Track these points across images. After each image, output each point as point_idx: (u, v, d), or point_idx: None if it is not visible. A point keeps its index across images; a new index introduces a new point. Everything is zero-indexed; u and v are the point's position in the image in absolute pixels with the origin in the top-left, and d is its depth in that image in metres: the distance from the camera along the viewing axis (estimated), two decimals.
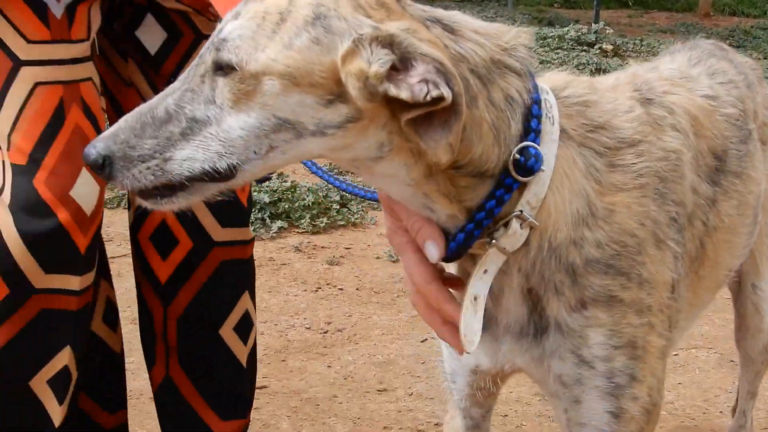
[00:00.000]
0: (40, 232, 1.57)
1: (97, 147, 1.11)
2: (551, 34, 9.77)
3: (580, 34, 9.81)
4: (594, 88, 1.32)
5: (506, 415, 2.68)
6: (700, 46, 1.71)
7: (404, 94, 1.03)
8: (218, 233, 1.84)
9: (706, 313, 3.25)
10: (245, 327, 1.98)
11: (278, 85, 1.06)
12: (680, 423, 2.66)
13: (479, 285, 1.18)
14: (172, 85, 1.13)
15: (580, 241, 1.21)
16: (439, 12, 1.15)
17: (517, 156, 1.13)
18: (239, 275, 1.95)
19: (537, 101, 1.17)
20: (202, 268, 1.85)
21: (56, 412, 1.68)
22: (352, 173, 4.07)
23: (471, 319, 1.18)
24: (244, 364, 1.99)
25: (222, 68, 1.08)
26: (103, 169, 1.11)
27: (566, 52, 9.15)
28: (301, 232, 4.23)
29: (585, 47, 9.46)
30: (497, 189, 1.14)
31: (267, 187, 4.48)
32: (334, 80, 1.07)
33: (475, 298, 1.18)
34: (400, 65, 1.05)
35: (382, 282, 3.72)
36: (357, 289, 3.68)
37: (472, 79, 1.10)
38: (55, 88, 1.57)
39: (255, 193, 4.35)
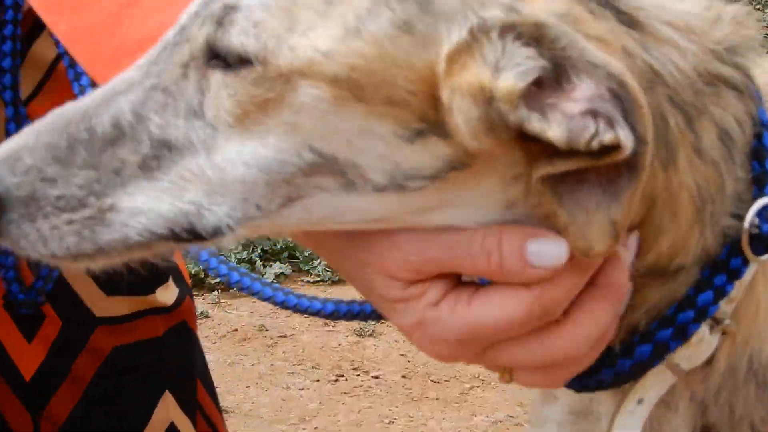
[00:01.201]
0: None
1: None
2: None
3: None
4: None
5: None
6: None
7: (554, 132, 0.82)
8: (101, 305, 1.58)
9: None
10: None
11: (327, 97, 0.86)
12: None
13: (630, 423, 1.04)
14: (126, 76, 0.94)
15: None
16: None
17: (757, 222, 0.97)
18: (150, 368, 1.64)
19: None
20: (81, 359, 1.59)
21: None
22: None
23: None
24: None
25: (223, 57, 0.89)
26: None
27: None
28: (313, 282, 3.92)
29: None
30: (715, 275, 1.00)
31: None
32: (429, 97, 0.88)
33: None
34: (551, 78, 0.84)
35: (445, 364, 3.18)
36: (403, 376, 3.31)
37: (674, 114, 0.93)
38: None
39: None
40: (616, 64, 0.88)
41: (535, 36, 0.87)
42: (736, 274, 1.02)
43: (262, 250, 4.07)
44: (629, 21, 0.95)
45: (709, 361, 1.04)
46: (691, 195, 0.99)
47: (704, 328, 1.02)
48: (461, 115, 0.87)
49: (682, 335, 1.02)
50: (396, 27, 0.90)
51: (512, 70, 0.87)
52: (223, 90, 0.92)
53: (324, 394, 3.24)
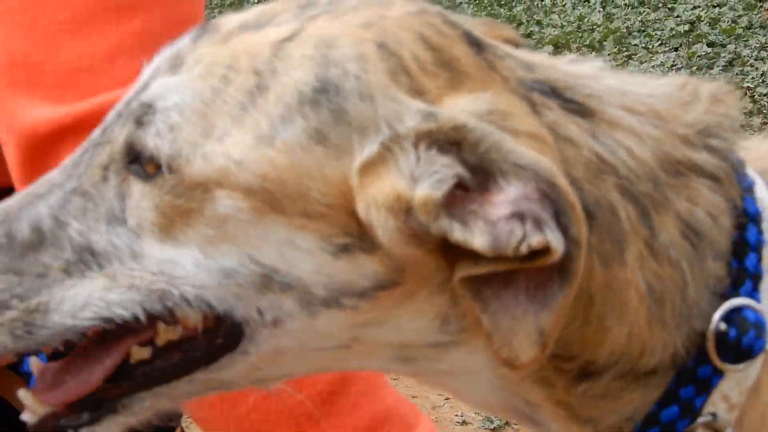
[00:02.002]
0: None
1: None
2: None
3: None
4: None
5: None
6: None
7: (479, 241, 0.83)
8: None
9: None
10: None
11: (245, 207, 0.88)
12: None
13: None
14: (46, 177, 0.97)
15: None
16: (557, 69, 0.95)
17: (723, 328, 0.93)
18: None
19: (755, 218, 0.97)
20: None
21: None
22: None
23: None
24: None
25: (140, 161, 0.91)
26: None
27: None
28: None
29: None
30: (682, 386, 0.95)
31: None
32: (346, 210, 0.88)
33: None
34: (473, 183, 0.85)
35: None
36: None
37: (624, 206, 0.90)
38: None
39: None
40: (546, 163, 0.84)
41: (453, 141, 0.85)
42: (706, 384, 0.96)
43: None
44: (578, 109, 0.93)
45: None
46: (640, 294, 0.93)
47: None
48: (380, 227, 0.86)
49: None
50: (308, 136, 0.89)
51: (428, 179, 0.85)
52: (144, 200, 0.91)
53: None
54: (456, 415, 3.37)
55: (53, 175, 0.96)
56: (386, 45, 0.90)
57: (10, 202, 0.96)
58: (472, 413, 3.33)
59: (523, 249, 0.83)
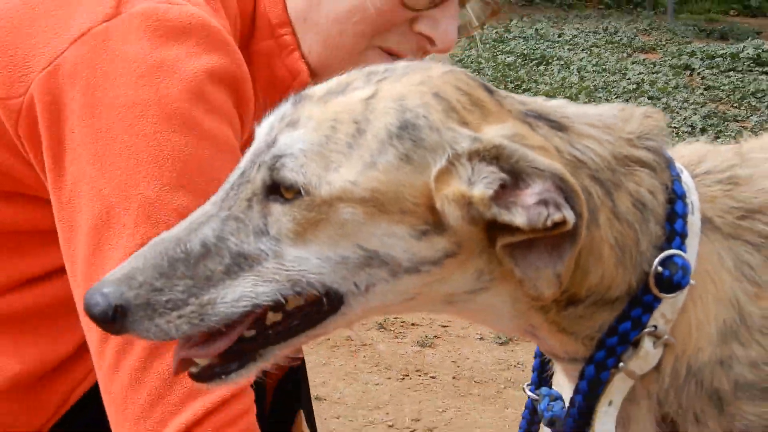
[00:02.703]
0: None
1: (107, 294, 1.04)
2: (721, 52, 8.86)
3: (760, 51, 8.80)
4: (745, 158, 1.25)
5: None
6: None
7: (519, 220, 1.01)
8: None
9: None
10: None
11: (360, 214, 1.04)
12: None
13: (605, 422, 1.16)
14: (204, 210, 1.09)
15: (728, 360, 1.16)
16: (539, 103, 1.14)
17: (660, 269, 1.11)
18: (292, 392, 1.89)
19: (681, 196, 1.14)
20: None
21: None
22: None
23: None
24: None
25: (277, 192, 1.06)
26: (114, 321, 1.04)
27: (740, 76, 8.24)
28: None
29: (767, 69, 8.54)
30: (634, 309, 1.12)
31: None
32: (428, 206, 1.05)
33: None
34: (510, 182, 1.03)
35: (486, 369, 3.58)
36: (454, 377, 3.53)
37: (594, 188, 1.08)
38: None
39: None
40: (557, 166, 1.02)
41: (494, 156, 1.03)
42: (649, 307, 1.12)
43: None
44: (558, 126, 1.11)
45: (658, 367, 1.16)
46: (610, 246, 1.11)
47: (648, 344, 1.13)
48: (450, 216, 1.04)
49: (613, 353, 1.14)
50: (399, 159, 1.05)
51: (481, 183, 1.03)
52: (283, 216, 1.06)
53: (394, 389, 3.42)
54: (476, 334, 3.83)
55: (206, 208, 1.10)
56: (438, 94, 1.08)
57: (177, 230, 1.10)
58: (487, 332, 3.79)
59: (549, 223, 1.01)
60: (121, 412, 1.30)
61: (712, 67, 8.47)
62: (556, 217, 1.01)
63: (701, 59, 8.53)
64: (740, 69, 8.52)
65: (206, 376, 1.13)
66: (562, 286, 1.06)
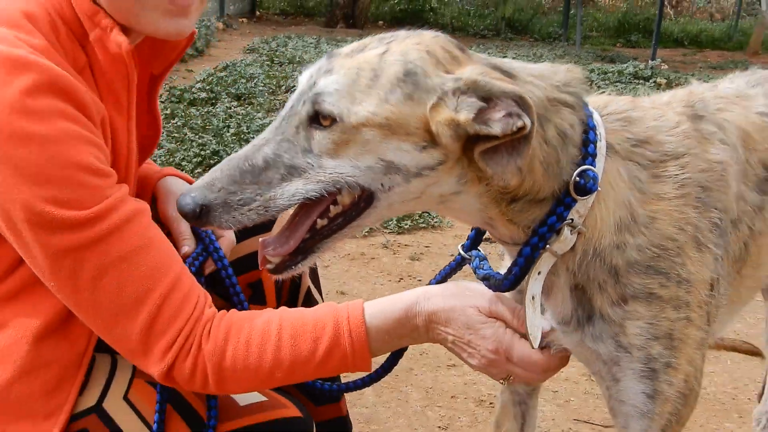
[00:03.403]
0: None
1: (194, 197, 1.05)
2: (611, 70, 9.50)
3: (637, 69, 9.50)
4: (636, 106, 1.25)
5: (556, 391, 2.65)
6: (759, 72, 1.57)
7: (496, 130, 1.01)
8: None
9: (740, 313, 3.24)
10: None
11: (378, 135, 1.03)
12: (711, 406, 2.61)
13: (535, 285, 1.16)
14: (263, 136, 1.08)
15: (622, 245, 1.15)
16: (495, 60, 1.13)
17: (578, 179, 1.10)
18: None
19: (593, 128, 1.13)
20: None
21: None
22: None
23: (532, 317, 1.16)
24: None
25: (317, 120, 1.05)
26: (200, 217, 1.05)
27: (624, 85, 8.87)
28: (388, 232, 4.17)
29: (641, 81, 9.13)
30: (558, 207, 1.12)
31: None
32: (426, 129, 1.04)
33: (533, 298, 1.16)
34: (485, 105, 1.03)
35: (459, 275, 3.66)
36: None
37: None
38: None
39: None
40: (516, 88, 1.02)
41: (473, 87, 1.03)
42: (569, 206, 1.11)
43: None
44: (509, 74, 1.09)
45: (573, 249, 1.15)
46: (540, 162, 1.09)
47: (567, 232, 1.12)
48: (442, 135, 1.03)
49: (543, 238, 1.13)
50: (404, 97, 1.04)
51: (465, 110, 1.02)
52: (322, 138, 1.04)
53: (393, 288, 3.39)
54: (450, 253, 3.85)
55: (265, 134, 1.07)
56: (429, 51, 1.06)
57: (245, 150, 1.07)
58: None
59: (514, 128, 1.00)
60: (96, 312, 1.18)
61: (605, 80, 9.02)
62: (519, 123, 1.01)
63: (598, 74, 9.09)
64: (624, 81, 9.13)
65: (281, 269, 1.14)
66: (523, 175, 1.06)
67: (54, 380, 1.25)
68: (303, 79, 1.10)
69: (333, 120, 1.03)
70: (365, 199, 1.08)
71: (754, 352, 2.30)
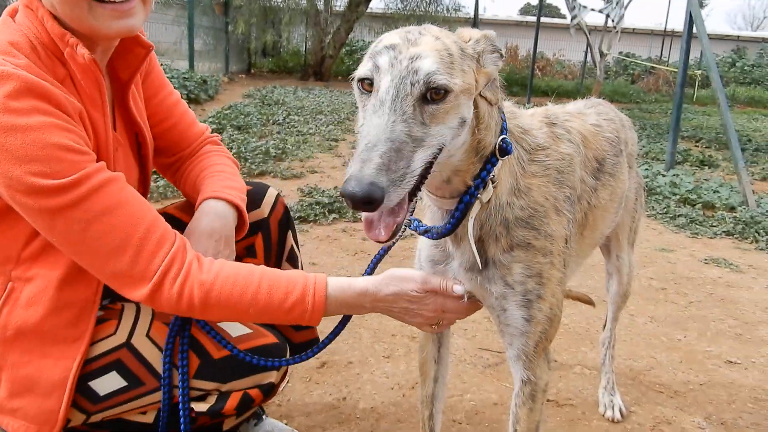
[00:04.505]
0: None
1: (375, 182, 0.83)
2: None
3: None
4: (517, 110, 1.23)
5: (466, 329, 2.58)
6: (592, 100, 1.66)
7: (499, 66, 1.01)
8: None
9: (591, 273, 3.26)
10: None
11: (465, 99, 0.98)
12: (571, 336, 2.56)
13: (470, 226, 1.11)
14: (387, 117, 0.90)
15: (512, 204, 1.13)
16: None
17: (501, 144, 1.07)
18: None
19: (505, 117, 1.12)
20: None
21: None
22: None
23: (474, 247, 1.12)
24: None
25: (428, 97, 0.92)
26: (376, 201, 0.84)
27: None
28: (346, 221, 3.98)
29: None
30: (487, 164, 1.07)
31: (325, 193, 4.22)
32: (474, 86, 1.01)
33: (470, 235, 1.11)
34: (498, 55, 1.01)
35: (399, 250, 3.39)
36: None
37: (496, 115, 1.08)
38: None
39: (318, 197, 4.15)
40: (493, 41, 1.02)
41: (490, 45, 1.01)
42: (494, 164, 1.07)
43: (328, 209, 3.90)
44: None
45: (487, 203, 1.10)
46: (489, 118, 1.06)
47: (490, 185, 1.07)
48: (480, 86, 1.01)
49: (477, 189, 1.07)
50: (468, 68, 0.99)
51: (491, 64, 1.02)
52: (432, 111, 0.94)
53: (353, 260, 3.24)
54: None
55: (389, 116, 0.91)
56: (450, 37, 1.00)
57: (386, 131, 0.89)
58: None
59: (500, 64, 1.02)
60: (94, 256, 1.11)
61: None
62: (501, 64, 1.03)
63: None
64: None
65: (391, 237, 0.95)
66: (497, 91, 1.05)
67: (76, 315, 1.22)
68: (385, 65, 0.93)
69: (445, 93, 0.94)
70: (439, 152, 0.97)
71: (588, 301, 2.34)
